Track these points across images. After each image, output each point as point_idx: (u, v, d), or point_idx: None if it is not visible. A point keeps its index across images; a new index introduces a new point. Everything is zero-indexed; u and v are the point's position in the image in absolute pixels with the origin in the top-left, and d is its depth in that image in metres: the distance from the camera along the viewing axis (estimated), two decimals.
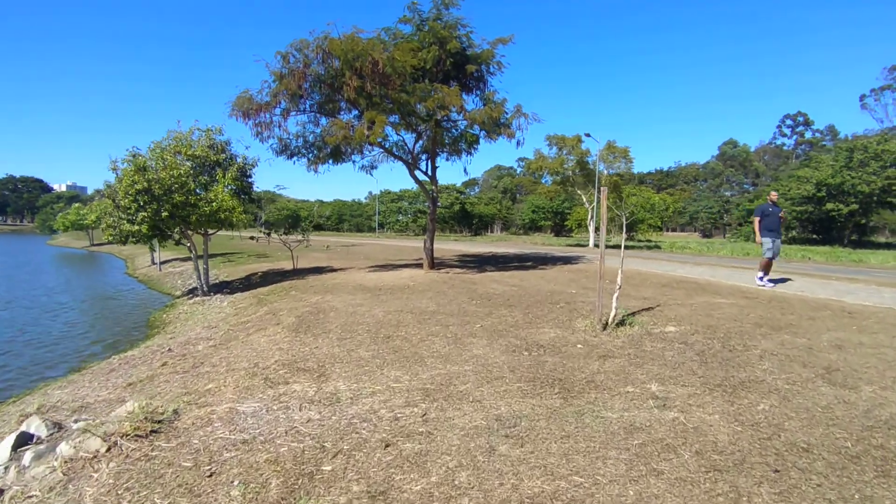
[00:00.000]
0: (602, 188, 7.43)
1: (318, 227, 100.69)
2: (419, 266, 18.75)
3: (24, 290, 20.39)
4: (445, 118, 15.52)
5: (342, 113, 16.02)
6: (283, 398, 4.79)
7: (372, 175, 19.26)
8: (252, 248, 30.93)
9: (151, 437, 3.88)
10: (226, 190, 15.19)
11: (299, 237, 19.47)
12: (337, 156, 17.39)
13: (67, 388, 7.18)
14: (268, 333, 8.53)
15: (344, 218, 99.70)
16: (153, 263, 27.92)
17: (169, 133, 15.40)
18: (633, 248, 34.00)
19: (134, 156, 14.08)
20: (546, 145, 34.47)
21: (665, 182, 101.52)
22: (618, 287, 7.64)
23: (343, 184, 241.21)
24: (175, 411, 4.41)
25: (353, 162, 18.68)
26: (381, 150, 18.00)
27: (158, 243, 15.34)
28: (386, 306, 10.08)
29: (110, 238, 15.03)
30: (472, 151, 18.68)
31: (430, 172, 17.84)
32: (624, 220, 9.07)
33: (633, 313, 8.47)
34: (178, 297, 17.75)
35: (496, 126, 15.18)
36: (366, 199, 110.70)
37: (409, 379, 5.18)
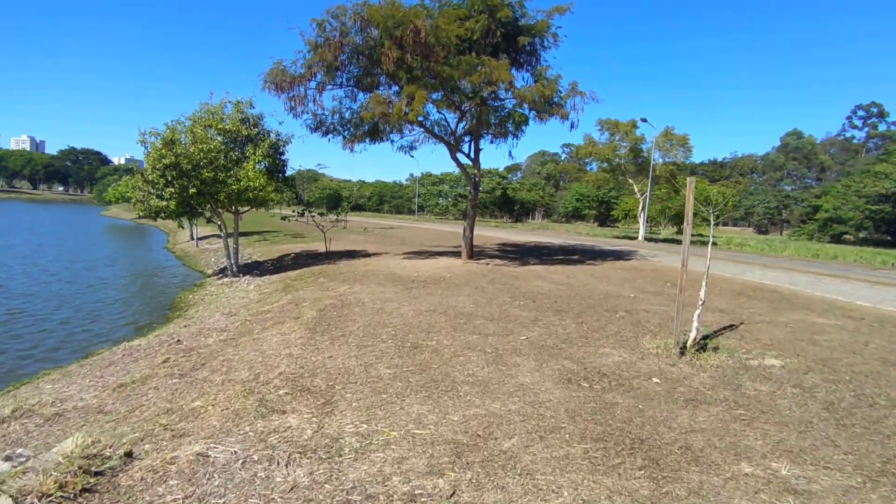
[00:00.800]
0: (689, 179, 5.95)
1: (359, 208, 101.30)
2: (457, 254, 17.55)
3: (68, 262, 20.45)
4: (492, 95, 14.10)
5: (381, 88, 14.81)
6: (271, 438, 3.70)
7: (412, 156, 18.08)
8: (288, 228, 30.43)
9: (81, 502, 2.84)
10: (257, 167, 14.34)
11: (334, 218, 18.53)
12: (374, 134, 16.26)
13: (60, 383, 6.39)
14: (283, 330, 7.54)
15: (385, 199, 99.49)
16: (191, 239, 27.86)
17: (201, 106, 14.67)
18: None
19: (167, 129, 13.38)
20: (597, 130, 32.36)
21: (718, 174, 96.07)
22: (701, 302, 6.18)
23: (384, 164, 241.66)
24: (128, 454, 3.38)
25: (392, 141, 17.54)
26: (422, 129, 16.75)
27: (189, 220, 14.68)
28: (417, 303, 8.94)
29: (140, 213, 14.50)
30: (520, 134, 17.17)
31: (472, 155, 16.51)
32: (712, 217, 7.44)
33: (715, 333, 7.00)
34: (209, 277, 17.23)
35: (548, 105, 13.63)
36: (407, 180, 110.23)
37: (436, 420, 4.00)
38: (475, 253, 17.06)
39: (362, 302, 9.23)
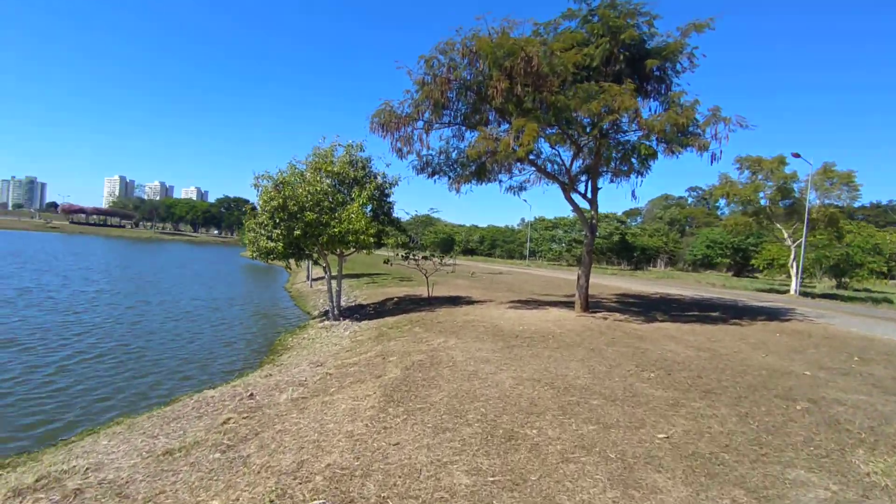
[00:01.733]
0: None
1: (470, 252, 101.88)
2: (570, 305, 15.63)
3: (200, 300, 22.05)
4: (613, 127, 12.44)
5: (490, 126, 13.92)
6: None
7: (519, 196, 16.59)
8: (397, 271, 30.43)
9: None
10: (362, 209, 14.02)
11: (438, 261, 17.70)
12: (481, 174, 15.31)
13: (115, 440, 5.84)
14: (358, 393, 6.44)
15: (496, 244, 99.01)
16: (307, 279, 28.96)
17: (314, 150, 14.89)
18: (848, 299, 26.08)
19: (279, 172, 13.67)
20: (735, 168, 28.55)
21: (883, 218, 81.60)
22: None
23: (497, 209, 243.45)
24: None
25: (500, 182, 16.47)
26: (532, 168, 15.48)
27: (296, 261, 14.76)
28: (518, 368, 7.38)
29: (253, 255, 14.85)
30: (645, 171, 15.11)
31: (589, 195, 14.77)
32: None
33: None
34: (314, 318, 17.13)
35: (682, 135, 11.65)
36: (518, 225, 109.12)
37: None
38: (591, 304, 15.03)
39: (454, 361, 7.90)
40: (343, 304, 19.34)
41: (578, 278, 14.46)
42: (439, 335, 10.49)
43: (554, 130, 12.95)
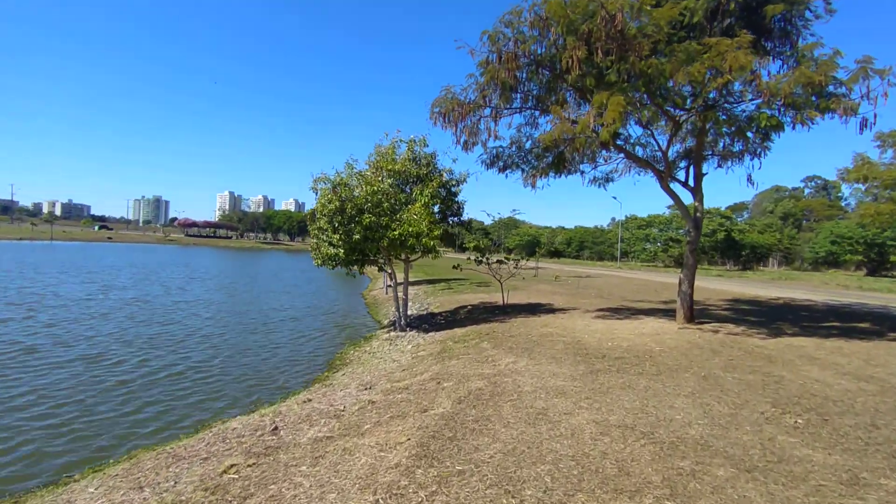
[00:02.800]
0: None
1: (557, 254, 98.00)
2: (669, 315, 13.24)
3: (280, 308, 22.20)
4: (722, 94, 10.08)
5: (566, 109, 12.05)
6: None
7: (606, 189, 14.31)
8: (476, 276, 28.85)
9: None
10: (427, 209, 12.71)
11: (513, 265, 15.98)
12: (560, 165, 13.43)
13: (99, 488, 4.91)
14: (390, 439, 5.03)
15: (585, 245, 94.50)
16: (384, 286, 28.39)
17: (376, 148, 13.88)
18: None
19: (336, 173, 12.81)
20: (874, 147, 23.80)
21: None
22: None
23: (584, 209, 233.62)
24: None
25: (582, 173, 14.46)
26: (620, 154, 13.34)
27: (360, 269, 13.83)
28: (603, 406, 5.57)
29: (317, 262, 14.10)
30: (764, 151, 12.47)
31: (692, 183, 12.35)
32: None
33: None
34: (382, 328, 16.12)
35: (819, 98, 9.07)
36: (608, 225, 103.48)
37: None
38: (696, 313, 12.56)
39: (520, 391, 6.25)
40: (414, 312, 18.25)
41: (680, 282, 12.08)
42: (508, 353, 8.85)
43: (646, 105, 10.80)
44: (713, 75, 8.95)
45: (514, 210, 64.37)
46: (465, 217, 15.34)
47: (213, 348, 12.93)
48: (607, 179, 14.65)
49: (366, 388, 8.08)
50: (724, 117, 10.33)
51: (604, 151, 14.41)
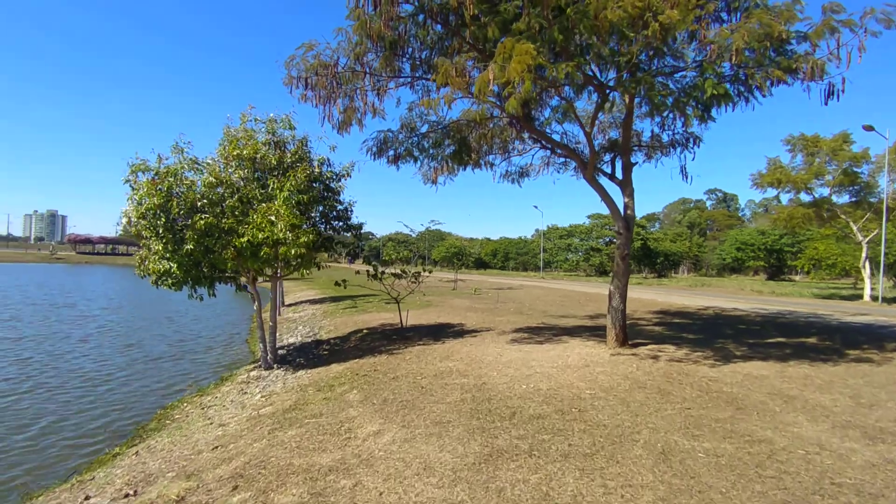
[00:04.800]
0: None
1: (483, 265, 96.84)
2: (597, 335, 10.97)
3: (144, 340, 17.79)
4: (654, 52, 7.91)
5: (466, 76, 9.47)
6: None
7: (521, 185, 11.73)
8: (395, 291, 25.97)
9: None
10: (291, 209, 9.51)
11: (413, 278, 13.07)
12: (463, 154, 10.87)
13: None
14: None
15: (510, 256, 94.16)
16: (279, 305, 24.53)
17: (225, 130, 10.50)
18: None
19: (159, 159, 9.31)
20: (785, 150, 23.66)
21: None
22: None
23: (511, 220, 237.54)
24: None
25: (492, 166, 11.98)
26: (533, 137, 11.00)
27: (208, 289, 10.40)
28: None
29: (141, 276, 10.44)
30: (696, 142, 10.68)
31: (620, 175, 10.19)
32: None
33: None
34: (251, 364, 12.55)
35: (779, 56, 7.08)
36: (532, 235, 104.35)
37: None
38: (628, 330, 10.31)
39: None
40: (298, 340, 14.88)
41: (610, 296, 9.76)
42: (377, 413, 5.92)
43: (562, 64, 8.40)
44: (644, 19, 6.66)
45: (432, 221, 62.02)
46: (354, 220, 12.25)
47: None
48: (522, 174, 12.28)
49: (126, 497, 4.81)
50: (657, 90, 8.09)
51: (517, 143, 12.08)
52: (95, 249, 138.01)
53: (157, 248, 9.30)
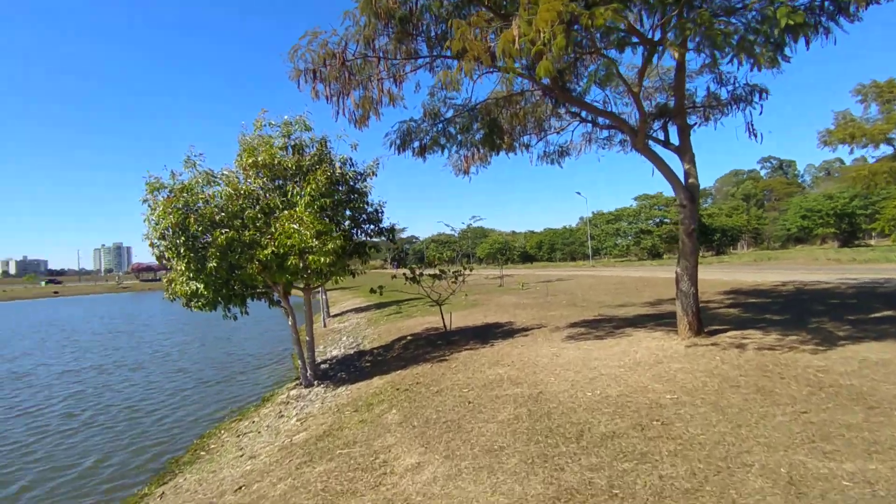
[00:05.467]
0: None
1: (529, 258, 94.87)
2: (665, 323, 9.71)
3: (203, 357, 17.83)
4: None
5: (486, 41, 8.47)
6: None
7: (561, 166, 10.55)
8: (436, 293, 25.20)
9: None
10: (314, 215, 8.82)
11: (455, 276, 12.13)
12: (494, 137, 9.86)
13: None
14: None
15: (556, 247, 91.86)
16: (326, 316, 24.24)
17: (240, 139, 9.94)
18: None
19: (172, 176, 8.83)
20: (856, 101, 21.26)
21: None
22: None
23: (552, 210, 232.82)
24: None
25: (528, 149, 10.91)
26: (572, 109, 9.87)
27: (241, 307, 9.88)
28: None
29: (171, 300, 10.03)
30: (762, 94, 9.26)
31: (676, 141, 8.92)
32: None
33: None
34: (292, 382, 12.01)
35: None
36: (577, 224, 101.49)
37: None
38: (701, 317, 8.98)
39: None
40: (340, 352, 14.30)
41: (678, 279, 8.50)
42: (417, 440, 5.04)
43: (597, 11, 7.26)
44: None
45: (473, 217, 60.78)
46: (385, 223, 11.48)
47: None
48: (562, 153, 11.11)
49: None
50: (721, 25, 6.81)
51: (553, 120, 10.96)
52: (157, 276, 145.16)
53: (180, 268, 8.83)
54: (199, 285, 8.97)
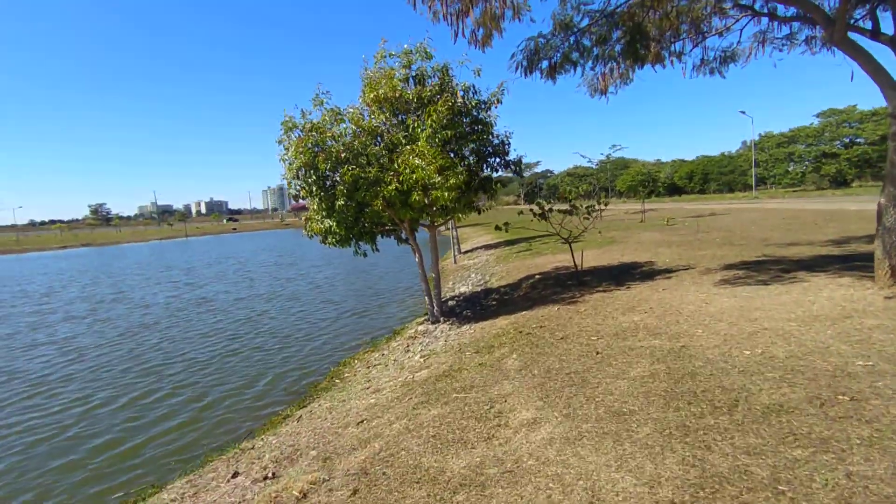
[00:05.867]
0: None
1: (677, 191, 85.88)
2: (853, 269, 7.85)
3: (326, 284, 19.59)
4: None
5: None
6: None
7: (724, 76, 8.54)
8: (580, 229, 24.04)
9: None
10: (436, 148, 8.49)
11: (588, 211, 11.02)
12: (638, 46, 8.41)
13: None
14: None
15: (710, 177, 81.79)
16: (459, 253, 24.62)
17: (363, 74, 9.77)
18: None
19: (303, 114, 9.03)
20: None
21: None
22: None
23: (707, 136, 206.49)
24: None
25: (679, 56, 9.17)
26: (742, 4, 7.96)
27: (371, 244, 10.14)
28: None
29: (309, 237, 10.61)
30: None
31: (891, 29, 6.71)
32: None
33: None
34: (421, 317, 12.36)
35: None
36: (738, 150, 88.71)
37: None
38: None
39: None
40: (468, 289, 14.32)
41: (881, 212, 6.65)
42: (536, 390, 4.64)
43: None
44: None
45: (613, 146, 56.05)
46: (512, 156, 10.75)
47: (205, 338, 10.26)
48: (725, 60, 9.19)
49: (265, 479, 4.45)
50: None
51: (714, 19, 8.99)
52: None
53: (313, 206, 9.23)
54: (331, 223, 9.30)
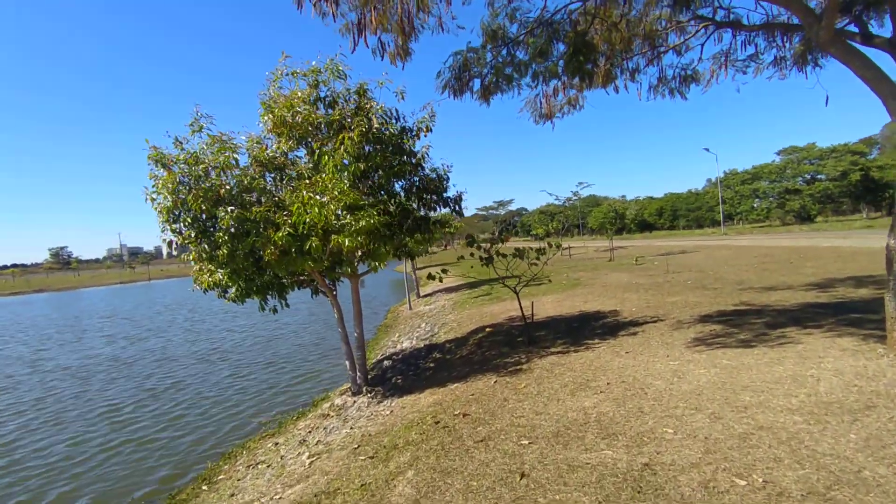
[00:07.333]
0: None
1: (648, 227, 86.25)
2: (851, 322, 6.36)
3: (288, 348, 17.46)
4: None
5: None
6: None
7: (685, 98, 7.15)
8: (547, 269, 22.43)
9: None
10: (341, 182, 6.81)
11: (538, 255, 9.32)
12: (583, 60, 7.00)
13: None
14: None
15: (678, 213, 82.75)
16: (416, 297, 22.79)
17: (260, 97, 8.08)
18: None
19: (176, 142, 7.28)
20: None
21: None
22: None
23: (672, 174, 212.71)
24: None
25: (633, 74, 7.86)
26: (700, 16, 6.72)
27: (279, 299, 8.31)
28: None
29: (203, 291, 8.67)
30: None
31: (888, 32, 5.46)
32: None
33: None
34: (344, 386, 10.28)
35: None
36: (704, 187, 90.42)
37: None
38: None
39: None
40: (411, 344, 12.47)
41: (891, 259, 5.18)
42: None
43: None
44: None
45: (580, 184, 55.68)
46: (450, 192, 9.14)
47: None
48: (686, 79, 7.90)
49: None
50: None
51: (671, 34, 7.76)
52: None
53: (192, 256, 7.40)
54: (221, 275, 7.47)
